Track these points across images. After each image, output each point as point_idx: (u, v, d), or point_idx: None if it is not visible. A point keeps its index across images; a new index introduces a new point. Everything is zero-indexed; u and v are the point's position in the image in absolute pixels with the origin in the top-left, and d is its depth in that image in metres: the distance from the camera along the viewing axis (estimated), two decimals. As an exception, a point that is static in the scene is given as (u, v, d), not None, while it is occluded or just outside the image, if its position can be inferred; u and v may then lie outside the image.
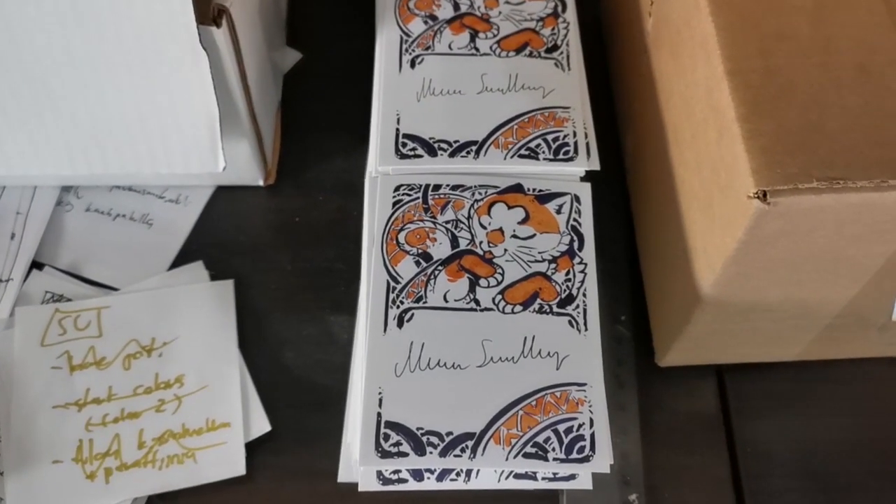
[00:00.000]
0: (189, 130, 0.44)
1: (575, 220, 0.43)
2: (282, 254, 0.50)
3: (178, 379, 0.45)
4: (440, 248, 0.42)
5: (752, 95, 0.33)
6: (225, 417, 0.44)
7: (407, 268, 0.42)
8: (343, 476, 0.42)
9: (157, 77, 0.41)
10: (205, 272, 0.49)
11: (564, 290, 0.42)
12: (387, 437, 0.38)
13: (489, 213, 0.43)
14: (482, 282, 0.42)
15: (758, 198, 0.31)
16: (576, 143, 0.45)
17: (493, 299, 0.41)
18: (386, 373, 0.39)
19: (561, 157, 0.44)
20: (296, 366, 0.46)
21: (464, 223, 0.43)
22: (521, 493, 0.41)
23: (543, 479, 0.39)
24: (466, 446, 0.38)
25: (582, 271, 0.42)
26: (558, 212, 0.44)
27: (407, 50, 0.48)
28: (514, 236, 0.43)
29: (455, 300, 0.41)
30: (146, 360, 0.45)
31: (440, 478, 0.39)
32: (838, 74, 0.34)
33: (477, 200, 0.44)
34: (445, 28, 0.49)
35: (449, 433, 0.38)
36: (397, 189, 0.44)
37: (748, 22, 0.35)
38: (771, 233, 0.33)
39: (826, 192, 0.31)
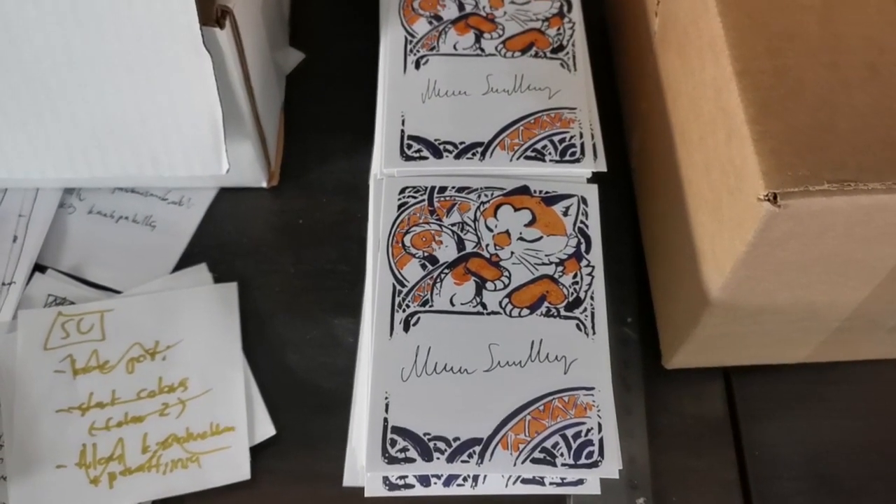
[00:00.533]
0: (192, 132, 0.44)
1: (582, 222, 0.43)
2: (285, 256, 0.50)
3: (182, 382, 0.45)
4: (446, 251, 0.42)
5: (761, 96, 0.33)
6: (229, 421, 0.44)
7: (413, 271, 0.42)
8: (348, 480, 0.41)
9: (159, 78, 0.41)
10: (208, 274, 0.48)
11: (572, 294, 0.41)
12: (393, 443, 0.37)
13: (495, 216, 0.43)
14: (489, 285, 0.41)
15: (768, 200, 0.31)
16: (582, 145, 0.45)
17: (500, 303, 0.41)
18: (392, 377, 0.39)
19: (567, 158, 0.44)
20: (299, 369, 0.46)
21: (470, 226, 0.43)
22: (528, 498, 0.41)
23: (551, 483, 0.39)
24: (474, 452, 0.37)
25: (589, 274, 0.42)
26: (565, 214, 0.43)
27: (412, 51, 0.48)
28: (521, 239, 0.43)
29: (461, 304, 0.41)
30: (150, 364, 0.45)
31: (447, 483, 0.39)
32: (848, 74, 0.33)
33: (483, 202, 0.43)
34: (450, 28, 0.49)
35: (456, 438, 0.38)
36: (402, 191, 0.44)
37: (757, 21, 0.35)
38: (781, 235, 0.32)
39: (837, 195, 0.31)
